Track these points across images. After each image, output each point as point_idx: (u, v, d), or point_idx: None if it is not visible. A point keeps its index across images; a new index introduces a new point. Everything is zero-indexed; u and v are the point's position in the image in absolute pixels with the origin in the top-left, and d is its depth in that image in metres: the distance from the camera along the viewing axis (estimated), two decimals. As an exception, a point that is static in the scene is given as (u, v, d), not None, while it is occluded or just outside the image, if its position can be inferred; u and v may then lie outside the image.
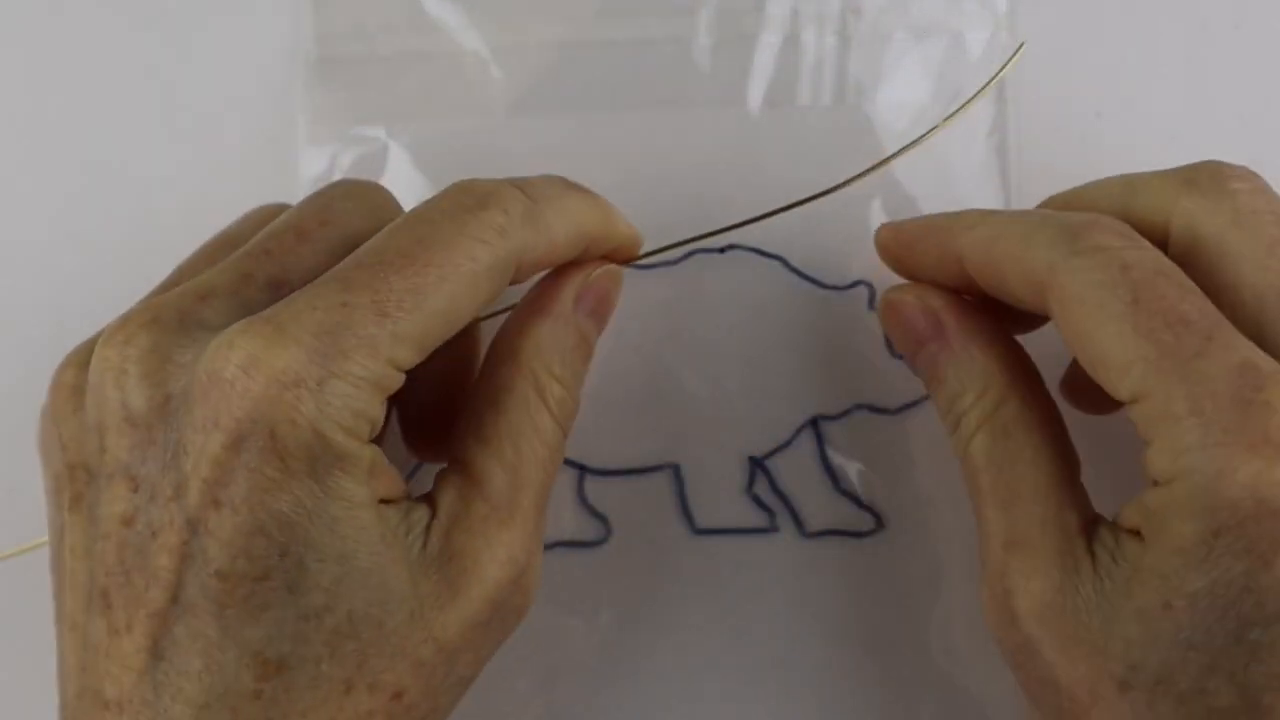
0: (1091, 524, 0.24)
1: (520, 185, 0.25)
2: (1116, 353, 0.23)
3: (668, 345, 0.32)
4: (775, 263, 0.32)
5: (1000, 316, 0.27)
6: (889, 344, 0.32)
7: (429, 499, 0.25)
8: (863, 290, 0.32)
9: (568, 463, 0.32)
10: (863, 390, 0.32)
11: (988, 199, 0.32)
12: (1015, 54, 0.29)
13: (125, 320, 0.24)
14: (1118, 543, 0.23)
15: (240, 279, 0.25)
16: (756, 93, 0.33)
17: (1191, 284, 0.23)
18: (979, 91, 0.28)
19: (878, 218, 0.32)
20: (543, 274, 0.28)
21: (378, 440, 0.24)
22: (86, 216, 0.34)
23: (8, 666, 0.32)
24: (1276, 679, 0.21)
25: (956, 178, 0.32)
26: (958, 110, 0.29)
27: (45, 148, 0.35)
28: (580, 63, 0.33)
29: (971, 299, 0.27)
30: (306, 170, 0.33)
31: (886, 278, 0.31)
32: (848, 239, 0.32)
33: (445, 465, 0.26)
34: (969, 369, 0.26)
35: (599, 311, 0.28)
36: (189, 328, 0.23)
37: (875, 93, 0.33)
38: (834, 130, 0.32)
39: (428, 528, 0.24)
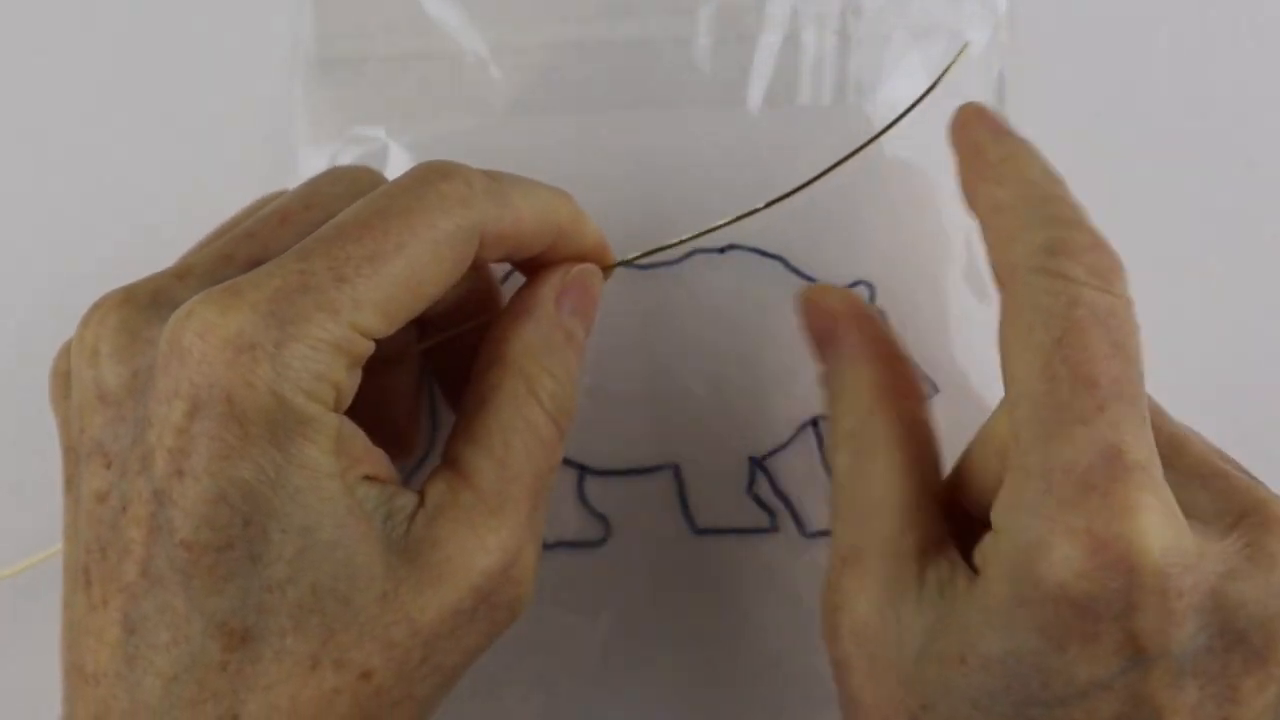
0: (933, 550, 0.24)
1: (487, 170, 0.25)
2: (1018, 379, 0.23)
3: (668, 345, 0.32)
4: (775, 263, 0.32)
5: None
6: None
7: (419, 492, 0.25)
8: (863, 290, 0.32)
9: (568, 462, 0.32)
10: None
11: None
12: (959, 53, 0.29)
13: (100, 302, 0.24)
14: (952, 576, 0.23)
15: (220, 260, 0.25)
16: (756, 92, 0.33)
17: (1131, 349, 0.22)
18: (926, 91, 0.28)
19: (877, 217, 0.32)
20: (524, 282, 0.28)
21: (382, 428, 0.24)
22: (87, 216, 0.34)
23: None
24: None
25: (955, 178, 0.32)
26: (905, 112, 0.29)
27: (45, 148, 0.35)
28: (580, 62, 0.33)
29: (871, 311, 0.28)
30: (306, 170, 0.33)
31: (887, 277, 0.31)
32: (848, 238, 0.32)
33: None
34: (845, 381, 0.26)
35: (582, 309, 0.27)
36: (160, 306, 0.23)
37: (875, 92, 0.33)
38: (834, 130, 0.32)
39: (412, 515, 0.24)
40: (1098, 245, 0.23)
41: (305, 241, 0.23)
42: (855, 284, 0.32)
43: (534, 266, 0.27)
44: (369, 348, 0.23)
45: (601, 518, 0.32)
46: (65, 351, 0.25)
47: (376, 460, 0.24)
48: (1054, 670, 0.21)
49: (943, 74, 0.28)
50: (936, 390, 0.32)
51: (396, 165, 0.33)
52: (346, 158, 0.33)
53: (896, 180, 0.32)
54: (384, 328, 0.23)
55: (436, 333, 0.29)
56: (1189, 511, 0.22)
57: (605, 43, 0.33)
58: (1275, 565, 0.22)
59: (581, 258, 0.28)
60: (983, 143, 0.26)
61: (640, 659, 0.31)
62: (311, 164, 0.33)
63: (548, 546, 0.32)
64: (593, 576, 0.32)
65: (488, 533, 0.24)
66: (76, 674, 0.23)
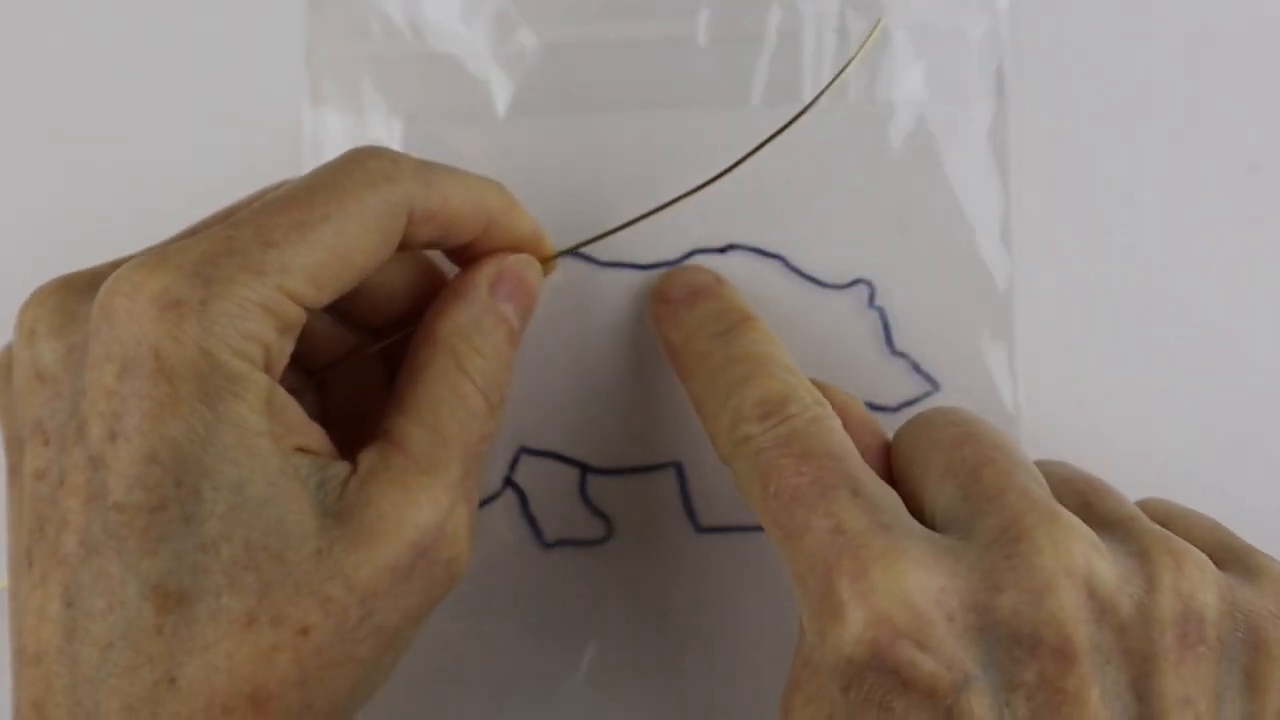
0: None
1: (419, 158, 0.26)
2: (770, 538, 0.24)
3: (669, 344, 0.32)
4: (775, 262, 0.32)
5: None
6: (889, 341, 0.32)
7: (352, 462, 0.25)
8: (862, 289, 0.32)
9: (570, 461, 0.32)
10: (862, 388, 0.32)
11: (986, 199, 0.32)
12: (874, 30, 0.29)
13: (39, 288, 0.25)
14: None
15: (178, 239, 0.25)
16: (757, 91, 0.33)
17: (822, 448, 0.24)
18: (841, 69, 0.28)
19: (878, 217, 0.32)
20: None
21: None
22: (85, 230, 0.34)
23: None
24: None
25: (955, 178, 0.32)
26: (822, 91, 0.29)
27: (43, 152, 0.35)
28: (580, 63, 0.33)
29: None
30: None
31: (887, 277, 0.31)
32: (848, 238, 0.32)
33: None
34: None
35: (518, 297, 0.28)
36: (97, 287, 0.24)
37: (876, 91, 0.33)
38: (836, 128, 0.32)
39: (345, 482, 0.24)
40: (761, 394, 0.26)
41: (236, 214, 0.24)
42: (854, 283, 0.32)
43: (469, 257, 0.28)
44: (299, 315, 0.24)
45: (604, 516, 0.32)
46: (7, 348, 0.26)
47: (311, 433, 0.24)
48: None
49: (856, 53, 0.28)
50: (938, 388, 0.32)
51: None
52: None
53: (897, 179, 0.32)
54: (314, 295, 0.24)
55: (377, 336, 0.29)
56: (939, 518, 0.23)
57: (606, 43, 0.33)
58: (1034, 573, 0.22)
59: (516, 246, 0.28)
60: (665, 335, 0.30)
61: (643, 658, 0.32)
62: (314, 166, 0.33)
63: (550, 545, 0.32)
64: (595, 575, 0.32)
65: (419, 490, 0.24)
66: (20, 657, 0.23)
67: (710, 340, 0.29)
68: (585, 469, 0.32)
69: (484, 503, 0.32)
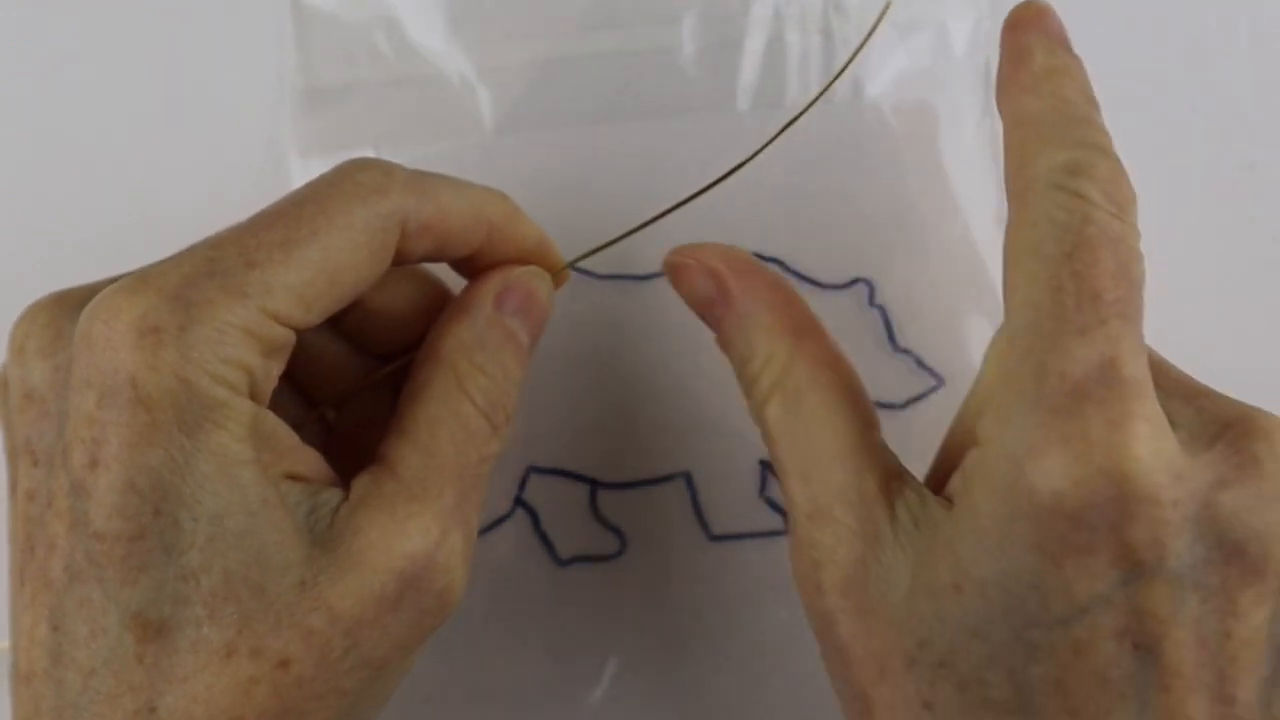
0: (894, 483, 0.24)
1: (414, 169, 0.25)
2: (1020, 287, 0.22)
3: (673, 353, 0.32)
4: (773, 265, 0.32)
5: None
6: (891, 339, 0.32)
7: (346, 488, 0.24)
8: (862, 288, 0.32)
9: (579, 477, 0.32)
10: (868, 387, 0.32)
11: (979, 192, 0.32)
12: (885, 11, 0.29)
13: (34, 303, 0.24)
14: (923, 507, 0.23)
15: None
16: (745, 96, 0.33)
17: (1135, 276, 0.22)
18: (852, 56, 0.28)
19: (872, 215, 0.32)
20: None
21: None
22: (73, 259, 0.34)
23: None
24: (1050, 683, 0.21)
25: (948, 173, 0.32)
26: (830, 83, 0.28)
27: (41, 166, 0.35)
28: (566, 77, 0.33)
29: (753, 258, 0.27)
30: (299, 199, 0.33)
31: (887, 276, 0.31)
32: (848, 238, 0.32)
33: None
34: (754, 332, 0.25)
35: (526, 310, 0.27)
36: (85, 302, 0.23)
37: (864, 89, 0.33)
38: (824, 129, 0.32)
39: (336, 509, 0.24)
40: (1118, 175, 0.23)
41: (220, 231, 0.23)
42: (854, 282, 0.32)
43: (475, 270, 0.27)
44: (286, 336, 0.23)
45: (616, 531, 0.32)
46: (6, 364, 0.25)
47: (303, 458, 0.24)
48: (1052, 588, 0.21)
49: (869, 36, 0.28)
50: (943, 383, 0.32)
51: (389, 189, 0.33)
52: (338, 185, 0.33)
53: (890, 176, 0.32)
54: (300, 315, 0.23)
55: (386, 361, 0.28)
56: (1175, 426, 0.22)
57: (591, 56, 0.33)
58: (1263, 473, 0.21)
59: (523, 258, 0.27)
60: (1031, 49, 0.25)
61: (661, 669, 0.31)
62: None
63: (564, 562, 0.32)
64: (611, 590, 0.32)
65: (408, 518, 0.24)
66: (15, 674, 0.23)
67: (1083, 88, 0.25)
68: (595, 484, 0.32)
69: (495, 523, 0.32)
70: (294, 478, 0.23)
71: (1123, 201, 0.23)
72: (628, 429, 0.32)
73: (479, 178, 0.32)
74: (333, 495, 0.24)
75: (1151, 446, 0.21)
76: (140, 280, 0.22)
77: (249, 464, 0.22)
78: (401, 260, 0.25)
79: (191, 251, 0.23)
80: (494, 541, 0.32)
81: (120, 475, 0.21)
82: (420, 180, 0.25)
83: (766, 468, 0.32)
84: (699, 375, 0.32)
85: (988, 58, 0.33)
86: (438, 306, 0.28)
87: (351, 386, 0.28)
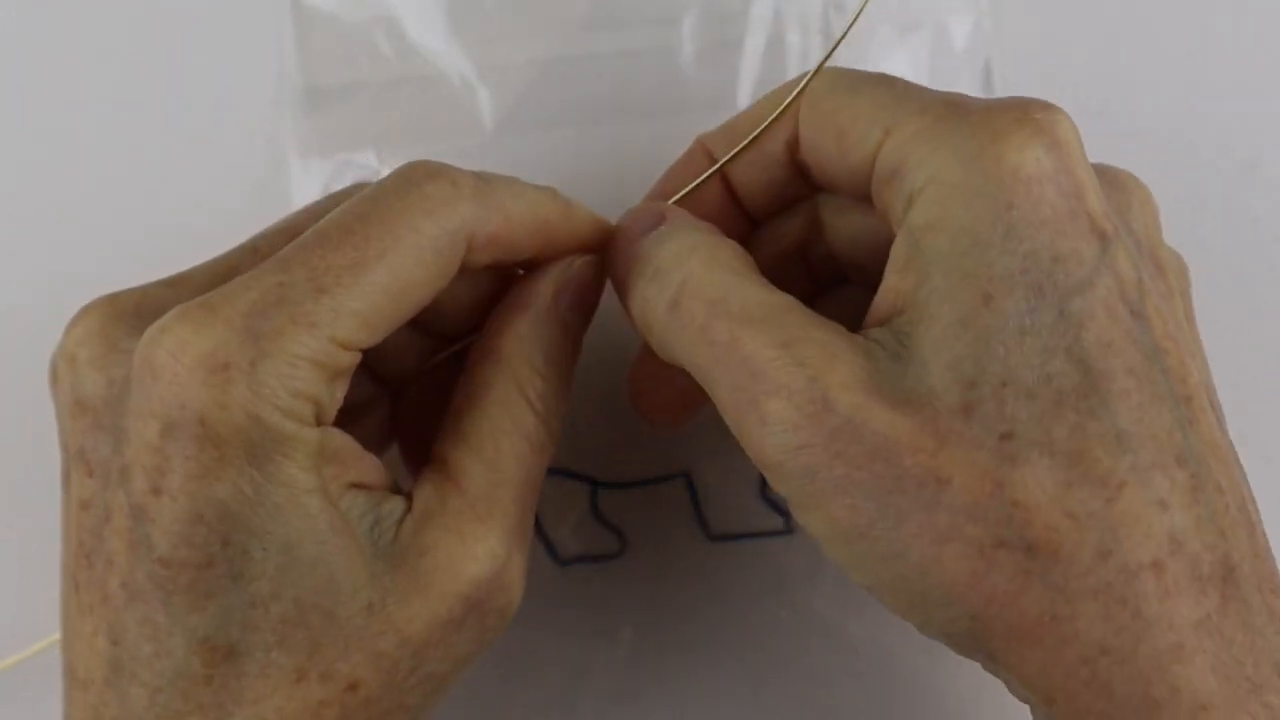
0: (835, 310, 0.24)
1: (476, 171, 0.25)
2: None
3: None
4: (774, 266, 0.32)
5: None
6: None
7: (408, 495, 0.24)
8: (862, 288, 0.32)
9: (580, 477, 0.32)
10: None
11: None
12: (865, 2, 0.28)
13: (88, 306, 0.24)
14: (892, 332, 0.22)
15: (219, 273, 0.24)
16: (745, 95, 0.33)
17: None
18: (852, 21, 0.27)
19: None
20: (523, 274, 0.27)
21: (358, 425, 0.24)
22: (72, 257, 0.34)
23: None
24: (1105, 345, 0.21)
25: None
26: (831, 50, 0.27)
27: (41, 169, 0.35)
28: (567, 78, 0.33)
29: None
30: (299, 199, 0.33)
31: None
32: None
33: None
34: (675, 238, 0.25)
35: (582, 303, 0.27)
36: (144, 315, 0.23)
37: (863, 89, 0.33)
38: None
39: (400, 521, 0.24)
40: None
41: (286, 249, 0.23)
42: (854, 282, 0.32)
43: (530, 266, 0.27)
44: (352, 359, 0.23)
45: (617, 531, 0.32)
46: (56, 354, 0.25)
47: (366, 466, 0.24)
48: (1070, 252, 0.21)
49: (851, 24, 0.27)
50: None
51: (389, 189, 0.33)
52: (338, 184, 0.33)
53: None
54: (367, 338, 0.23)
55: (452, 342, 0.28)
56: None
57: (591, 56, 0.33)
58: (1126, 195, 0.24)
59: (581, 249, 0.27)
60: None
61: (661, 670, 0.31)
62: (303, 193, 0.33)
63: (564, 563, 0.32)
64: (611, 590, 0.32)
65: (475, 541, 0.24)
66: (70, 677, 0.23)
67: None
68: (595, 484, 0.32)
69: (495, 524, 0.32)
70: (357, 486, 0.23)
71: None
72: (628, 429, 0.32)
73: (480, 178, 0.33)
74: (396, 505, 0.24)
75: (1067, 128, 0.22)
76: (207, 310, 0.22)
77: (316, 492, 0.22)
78: (463, 270, 0.25)
79: (260, 275, 0.22)
80: (494, 541, 0.32)
81: (186, 506, 0.22)
82: (485, 187, 0.24)
83: (766, 468, 0.32)
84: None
85: (987, 57, 0.33)
86: (500, 289, 0.27)
87: (416, 367, 0.28)
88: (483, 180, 0.24)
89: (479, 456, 0.24)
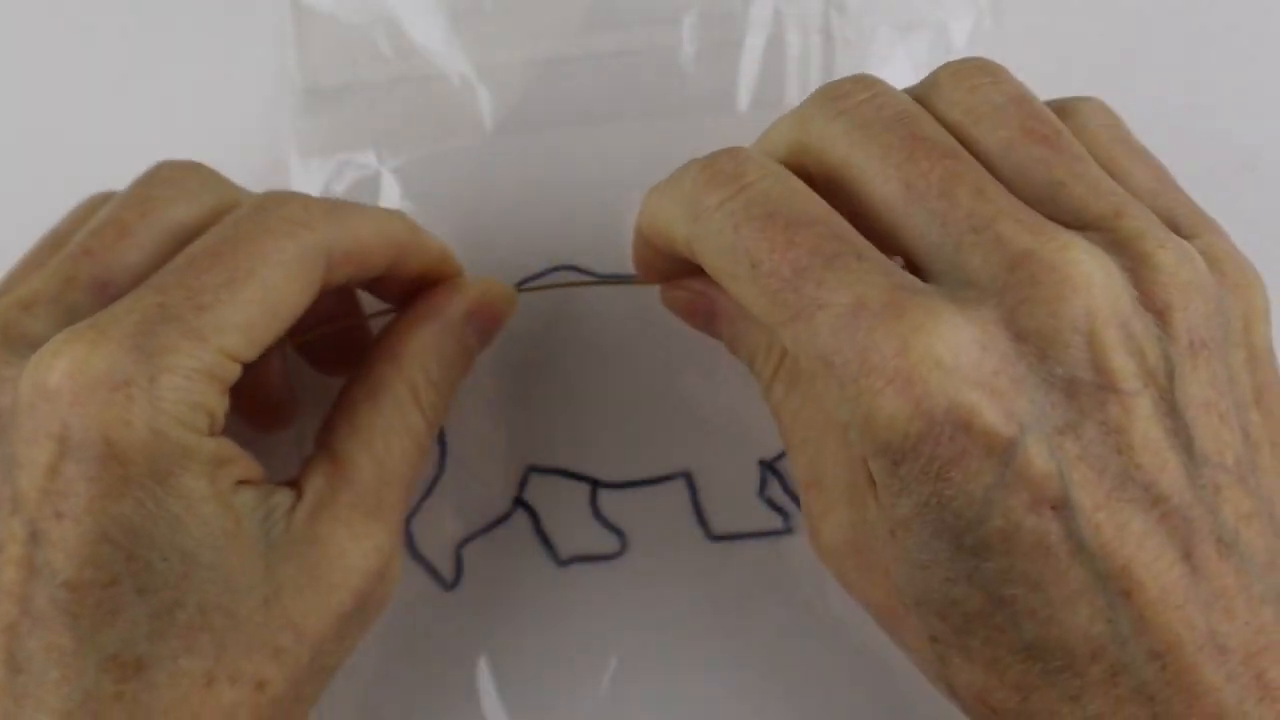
0: None
1: (320, 198, 0.27)
2: (766, 319, 0.22)
3: (672, 353, 0.32)
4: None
5: None
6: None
7: (294, 483, 0.26)
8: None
9: (580, 477, 0.32)
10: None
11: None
12: None
13: None
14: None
15: (63, 283, 0.25)
16: (745, 95, 0.33)
17: (801, 211, 0.22)
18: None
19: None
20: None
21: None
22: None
23: None
24: (1004, 573, 0.21)
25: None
26: None
27: (40, 168, 0.35)
28: (567, 78, 0.33)
29: None
30: (299, 199, 0.33)
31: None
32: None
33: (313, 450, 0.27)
34: (747, 334, 0.27)
35: (487, 330, 0.29)
36: (13, 341, 0.23)
37: (863, 89, 0.33)
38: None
39: (290, 510, 0.25)
40: (714, 164, 0.24)
41: (158, 275, 0.24)
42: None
43: (382, 289, 0.29)
44: (237, 371, 0.24)
45: (617, 531, 0.32)
46: None
47: (249, 464, 0.24)
48: (955, 497, 0.21)
49: None
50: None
51: (388, 190, 0.33)
52: (339, 185, 0.33)
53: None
54: (249, 351, 0.24)
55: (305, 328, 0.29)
56: (966, 285, 0.21)
57: (591, 56, 0.33)
58: (1061, 317, 0.21)
59: (427, 270, 0.28)
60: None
61: (663, 671, 0.31)
62: (304, 191, 0.33)
63: (564, 562, 0.32)
64: (611, 590, 0.32)
65: (366, 537, 0.25)
66: None
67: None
68: (595, 484, 0.32)
69: (495, 523, 0.32)
70: (244, 483, 0.24)
71: (741, 169, 0.23)
72: (628, 429, 0.32)
73: (479, 178, 0.33)
74: (284, 497, 0.25)
75: (946, 343, 0.20)
76: (96, 331, 0.22)
77: (211, 498, 0.23)
78: (326, 286, 0.26)
79: (139, 297, 0.23)
80: (494, 541, 0.32)
81: (92, 528, 0.22)
82: (337, 210, 0.26)
83: (766, 468, 0.32)
84: (699, 375, 0.32)
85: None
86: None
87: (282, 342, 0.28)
88: (334, 204, 0.26)
89: (371, 452, 0.26)
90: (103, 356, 0.22)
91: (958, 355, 0.20)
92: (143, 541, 0.22)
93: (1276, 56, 0.33)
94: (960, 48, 0.33)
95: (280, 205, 0.25)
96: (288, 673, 0.24)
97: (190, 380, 0.22)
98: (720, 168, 0.24)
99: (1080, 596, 0.21)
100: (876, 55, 0.33)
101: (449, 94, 0.33)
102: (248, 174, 0.34)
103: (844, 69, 0.32)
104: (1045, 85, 0.33)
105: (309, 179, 0.33)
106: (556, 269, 0.32)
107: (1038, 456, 0.20)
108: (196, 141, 0.34)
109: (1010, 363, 0.21)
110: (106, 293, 0.24)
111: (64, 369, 0.22)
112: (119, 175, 0.34)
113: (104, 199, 0.28)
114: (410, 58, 0.33)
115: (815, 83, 0.33)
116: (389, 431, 0.26)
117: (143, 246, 0.25)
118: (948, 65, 0.25)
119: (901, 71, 0.32)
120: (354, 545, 0.25)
